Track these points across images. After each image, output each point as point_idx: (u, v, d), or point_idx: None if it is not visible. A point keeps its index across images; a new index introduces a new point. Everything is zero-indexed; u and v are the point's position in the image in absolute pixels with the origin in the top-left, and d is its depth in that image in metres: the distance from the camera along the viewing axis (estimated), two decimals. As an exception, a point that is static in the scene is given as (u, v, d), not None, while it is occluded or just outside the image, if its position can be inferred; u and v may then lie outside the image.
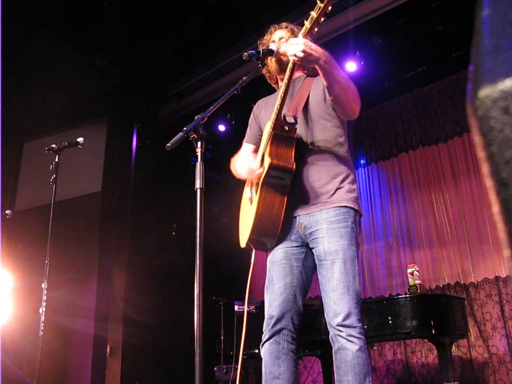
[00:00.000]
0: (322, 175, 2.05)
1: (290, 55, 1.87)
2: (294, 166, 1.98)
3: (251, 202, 2.13)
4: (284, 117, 2.01)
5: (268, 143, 2.03)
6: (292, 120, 2.01)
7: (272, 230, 2.04)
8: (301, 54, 1.83)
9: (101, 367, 5.20)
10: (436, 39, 4.90)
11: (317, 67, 1.94)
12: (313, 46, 1.87)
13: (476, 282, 5.00)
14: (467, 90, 0.41)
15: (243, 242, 2.17)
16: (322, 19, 1.80)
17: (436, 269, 5.30)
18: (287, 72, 1.98)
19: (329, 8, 1.77)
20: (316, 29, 1.85)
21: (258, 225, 2.02)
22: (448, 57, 5.18)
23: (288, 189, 2.02)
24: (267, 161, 1.98)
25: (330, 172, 2.06)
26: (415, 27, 4.84)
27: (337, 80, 1.94)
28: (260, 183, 2.01)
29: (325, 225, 1.99)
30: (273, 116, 2.03)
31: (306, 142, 2.11)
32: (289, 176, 1.99)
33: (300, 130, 2.10)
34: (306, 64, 1.92)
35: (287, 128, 2.00)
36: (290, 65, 1.96)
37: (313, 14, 1.79)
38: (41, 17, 5.18)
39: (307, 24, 1.83)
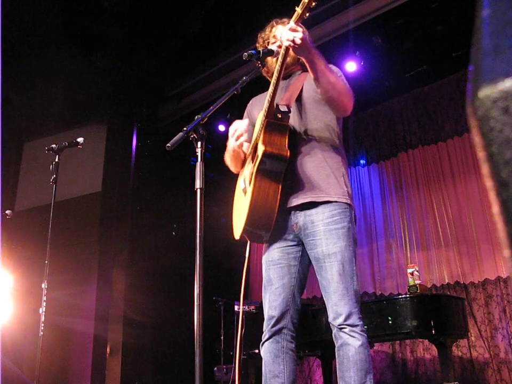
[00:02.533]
0: (315, 165, 2.05)
1: (287, 40, 1.84)
2: (288, 154, 1.97)
3: (245, 193, 2.10)
4: (277, 105, 2.01)
5: (260, 131, 2.02)
6: (285, 109, 2.01)
7: (267, 221, 2.01)
8: (299, 41, 1.82)
9: (101, 367, 5.20)
10: (436, 39, 4.90)
11: (304, 59, 1.93)
12: (308, 38, 1.87)
13: (476, 283, 5.00)
14: (467, 90, 0.41)
15: (237, 234, 2.15)
16: (314, 4, 1.78)
17: (436, 269, 5.29)
18: (279, 59, 1.96)
19: None
20: (307, 14, 1.83)
21: (253, 215, 1.99)
22: (448, 57, 5.18)
23: (282, 177, 2.00)
24: (261, 149, 1.96)
25: (323, 162, 2.05)
26: (415, 27, 4.84)
27: (324, 74, 1.94)
28: (254, 172, 1.99)
29: (322, 227, 1.98)
30: (265, 104, 2.02)
31: (300, 132, 2.10)
32: (284, 164, 1.98)
33: (293, 120, 2.10)
34: (299, 52, 1.90)
35: (280, 116, 2.00)
36: (282, 51, 1.93)
37: None
38: (41, 17, 5.18)
39: (298, 9, 1.81)
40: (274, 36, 2.21)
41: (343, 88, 2.00)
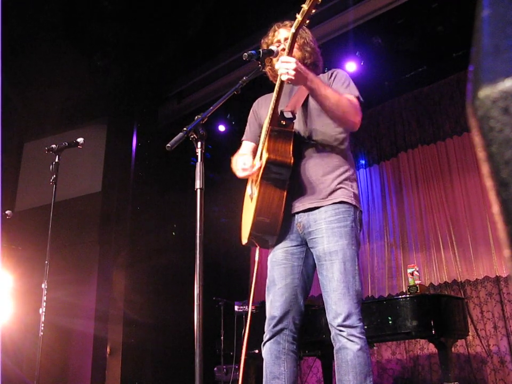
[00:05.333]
0: (321, 170, 2.05)
1: (282, 74, 1.89)
2: (292, 161, 1.97)
3: (251, 199, 2.12)
4: (281, 112, 2.01)
5: (265, 138, 2.02)
6: (290, 115, 2.01)
7: (272, 226, 2.03)
8: (293, 73, 1.86)
9: (101, 367, 5.20)
10: (436, 39, 4.90)
11: (304, 87, 1.96)
12: (302, 66, 1.90)
13: (475, 282, 4.99)
14: (467, 90, 0.41)
15: (244, 239, 2.16)
16: (313, 11, 1.83)
17: (435, 269, 5.29)
18: (276, 87, 2.02)
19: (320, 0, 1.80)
20: (307, 21, 1.89)
21: (258, 221, 2.01)
22: (448, 57, 5.18)
23: (288, 184, 2.01)
24: (265, 156, 1.97)
25: (329, 167, 2.06)
26: (415, 27, 4.84)
27: (326, 97, 1.94)
28: (259, 179, 2.00)
29: (324, 225, 1.98)
30: (269, 111, 2.02)
31: (305, 137, 2.10)
32: (288, 171, 1.98)
33: (299, 125, 2.10)
34: (296, 83, 1.96)
35: (284, 123, 2.00)
36: (278, 81, 1.99)
37: (305, 6, 1.82)
38: (41, 17, 5.18)
39: (299, 17, 1.85)
40: (278, 41, 2.20)
41: (347, 106, 1.98)
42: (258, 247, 2.17)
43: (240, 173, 2.10)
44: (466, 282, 5.04)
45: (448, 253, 5.24)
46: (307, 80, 1.89)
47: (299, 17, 1.85)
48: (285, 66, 1.87)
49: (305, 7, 1.81)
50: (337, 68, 2.28)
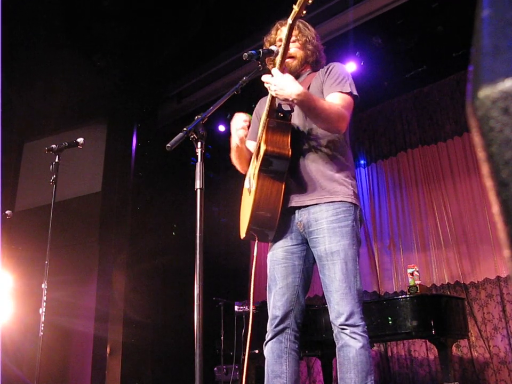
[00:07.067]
0: (320, 166, 2.05)
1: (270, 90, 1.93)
2: (290, 153, 1.97)
3: (249, 192, 2.11)
4: (279, 104, 2.01)
5: (263, 131, 2.02)
6: (288, 108, 2.01)
7: (271, 220, 2.01)
8: (274, 94, 1.90)
9: (101, 367, 5.20)
10: (436, 39, 4.90)
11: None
12: (286, 84, 1.87)
13: (476, 282, 4.99)
14: (467, 90, 0.41)
15: (243, 233, 2.15)
16: (310, 1, 1.80)
17: (436, 269, 5.29)
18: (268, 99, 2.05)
19: None
20: (304, 12, 1.85)
21: (256, 214, 2.00)
22: (448, 57, 5.18)
23: (286, 176, 2.00)
24: (262, 148, 1.97)
25: (328, 163, 2.05)
26: (415, 27, 4.84)
27: (314, 114, 1.96)
28: (257, 171, 1.99)
29: (326, 225, 1.98)
30: (267, 104, 2.02)
31: (304, 132, 2.10)
32: (285, 163, 1.97)
33: (298, 120, 2.10)
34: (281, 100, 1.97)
35: (281, 115, 2.00)
36: (269, 96, 2.02)
37: None
38: (41, 17, 5.18)
39: (295, 7, 1.83)
40: (280, 40, 2.19)
41: (335, 118, 1.97)
42: (256, 242, 2.17)
43: (233, 136, 2.12)
44: (471, 284, 5.02)
45: (448, 253, 5.24)
46: (291, 98, 1.87)
47: (296, 7, 1.83)
48: (268, 85, 1.92)
49: None
50: (339, 64, 2.24)
